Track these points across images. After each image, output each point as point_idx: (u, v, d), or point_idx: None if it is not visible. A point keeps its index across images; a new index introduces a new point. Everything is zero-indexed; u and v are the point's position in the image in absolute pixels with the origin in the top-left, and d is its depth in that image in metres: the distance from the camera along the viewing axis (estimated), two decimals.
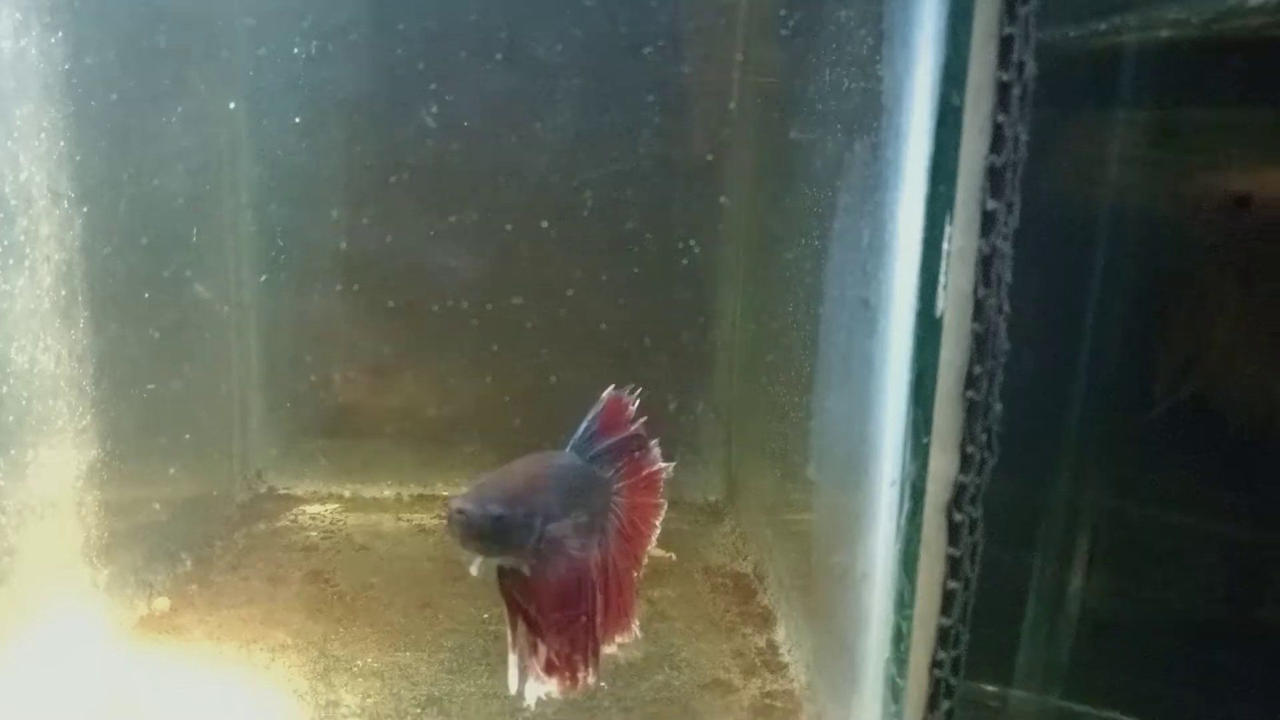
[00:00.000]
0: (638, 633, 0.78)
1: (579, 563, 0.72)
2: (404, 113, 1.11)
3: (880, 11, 0.70)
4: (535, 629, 0.71)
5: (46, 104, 0.93)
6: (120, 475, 1.06)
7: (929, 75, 0.65)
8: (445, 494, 1.50)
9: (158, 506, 1.18)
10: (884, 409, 0.72)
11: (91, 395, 1.01)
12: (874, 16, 0.71)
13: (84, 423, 1.00)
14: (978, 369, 0.69)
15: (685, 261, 1.21)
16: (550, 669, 0.72)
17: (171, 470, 1.22)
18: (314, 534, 1.39)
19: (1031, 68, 0.65)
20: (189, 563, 1.24)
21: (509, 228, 1.21)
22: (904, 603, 0.73)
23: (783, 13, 0.86)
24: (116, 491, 1.06)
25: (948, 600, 0.74)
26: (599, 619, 0.73)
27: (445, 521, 0.69)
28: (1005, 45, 0.64)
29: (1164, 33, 0.76)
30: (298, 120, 1.17)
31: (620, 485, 0.77)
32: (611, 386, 0.75)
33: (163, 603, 1.14)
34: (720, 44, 0.97)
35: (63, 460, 0.97)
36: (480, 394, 1.40)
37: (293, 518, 1.44)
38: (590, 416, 0.75)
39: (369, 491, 1.52)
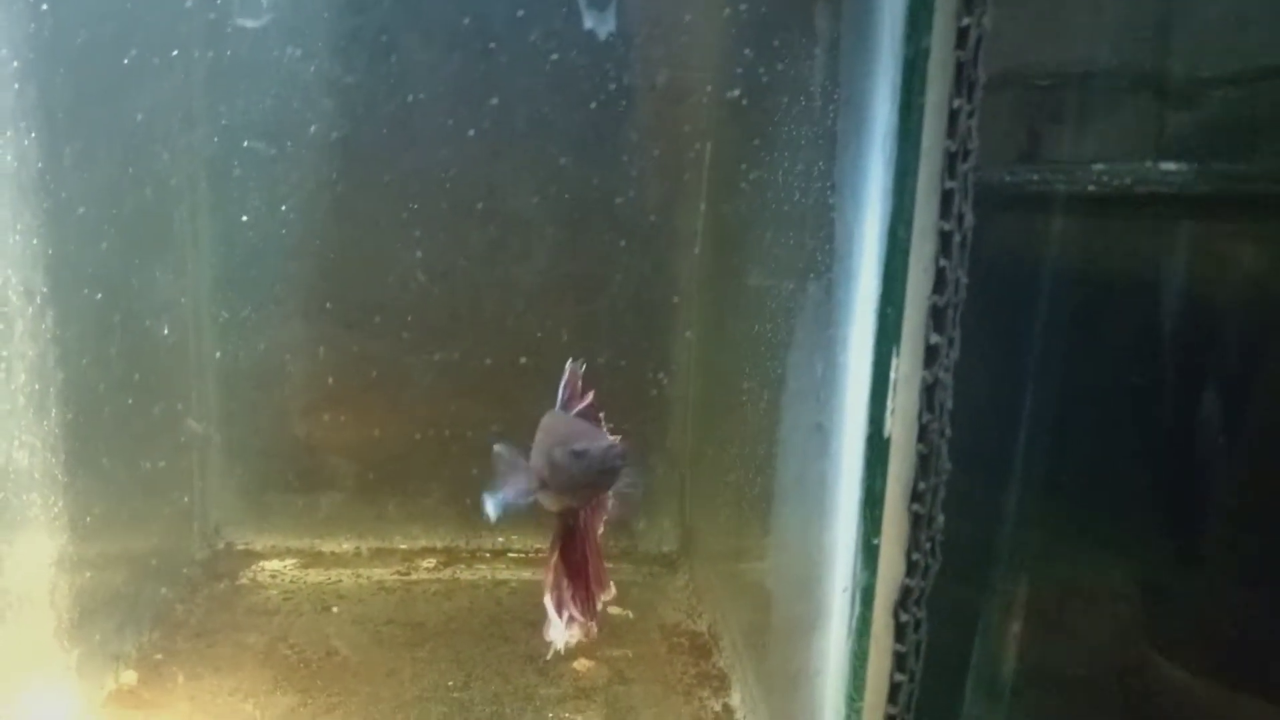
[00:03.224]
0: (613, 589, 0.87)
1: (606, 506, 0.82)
2: (389, 258, 1.13)
3: (832, 167, 0.75)
4: (578, 567, 0.80)
5: (22, 206, 0.95)
6: (89, 554, 1.08)
7: (877, 224, 0.71)
8: (404, 547, 1.54)
9: (124, 576, 1.20)
10: (837, 522, 0.78)
11: (63, 483, 1.03)
12: (826, 171, 0.76)
13: (55, 510, 1.02)
14: (922, 485, 0.76)
15: (654, 392, 1.26)
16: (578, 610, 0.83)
17: (136, 536, 1.24)
18: (274, 593, 1.41)
19: (970, 219, 0.71)
20: (154, 631, 1.26)
21: (488, 362, 1.24)
22: (854, 696, 0.79)
23: (743, 167, 0.92)
24: (86, 570, 1.08)
25: (894, 691, 0.80)
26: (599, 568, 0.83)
27: (574, 458, 0.76)
28: (946, 198, 0.70)
29: (1090, 187, 0.83)
30: (280, 266, 1.19)
31: None
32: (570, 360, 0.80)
33: (130, 676, 1.16)
34: (686, 195, 1.02)
35: (36, 550, 0.99)
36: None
37: (252, 575, 1.46)
38: (561, 386, 0.81)
39: (328, 545, 1.54)
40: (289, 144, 1.04)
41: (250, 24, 0.94)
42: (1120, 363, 0.90)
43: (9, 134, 0.94)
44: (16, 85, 0.95)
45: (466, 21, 0.92)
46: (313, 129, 1.01)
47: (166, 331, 1.18)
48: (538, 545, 1.51)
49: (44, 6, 0.97)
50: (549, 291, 1.12)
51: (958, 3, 0.68)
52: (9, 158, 0.94)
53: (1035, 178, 0.85)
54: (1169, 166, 0.84)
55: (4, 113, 0.93)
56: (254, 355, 1.35)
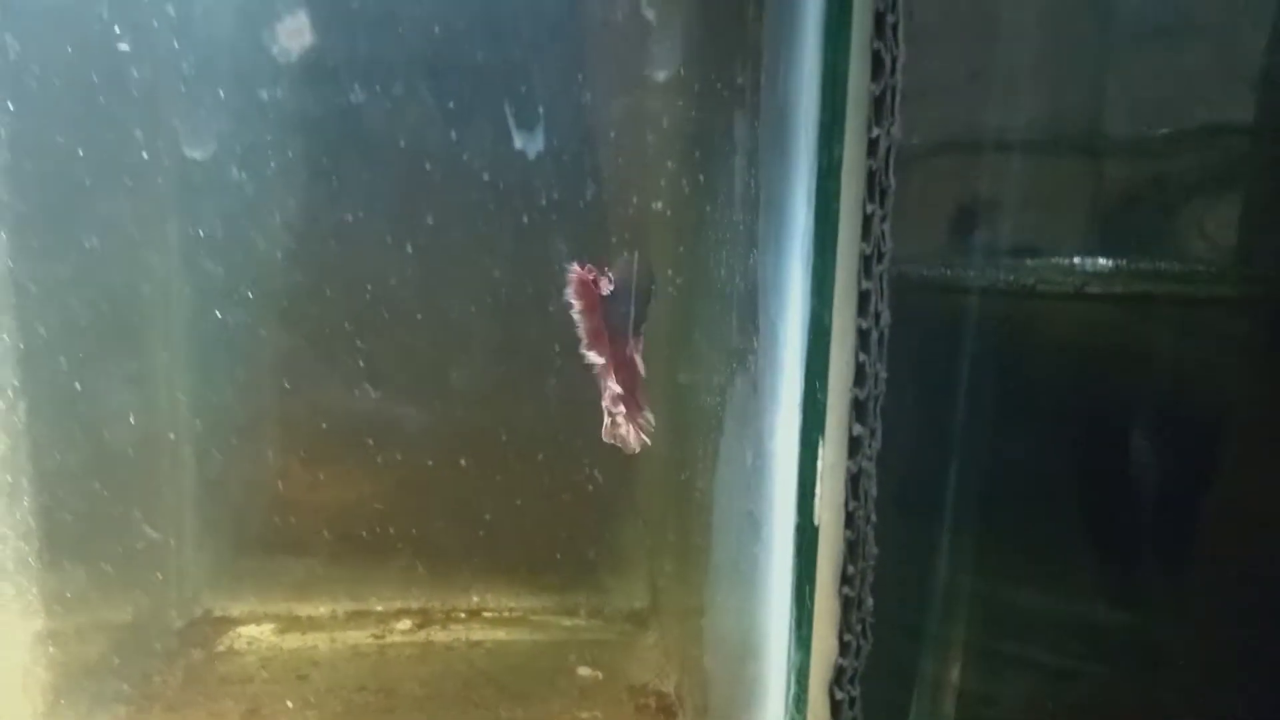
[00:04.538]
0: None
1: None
2: (334, 365, 1.18)
3: (757, 272, 0.79)
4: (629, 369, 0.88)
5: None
6: (65, 635, 1.10)
7: (800, 322, 0.74)
8: (379, 609, 1.56)
9: (99, 652, 1.23)
10: (771, 603, 0.81)
11: (35, 568, 1.05)
12: (752, 274, 0.80)
13: (29, 597, 1.05)
14: (851, 569, 0.79)
15: (590, 488, 1.30)
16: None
17: (112, 612, 1.27)
18: (251, 660, 1.44)
19: (887, 316, 0.75)
20: (129, 705, 1.29)
21: (430, 463, 1.29)
22: None
23: (670, 272, 0.96)
24: (61, 650, 1.10)
25: None
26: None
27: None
28: (864, 298, 0.74)
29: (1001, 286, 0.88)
30: (238, 371, 1.23)
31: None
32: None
33: None
34: None
35: (9, 636, 1.02)
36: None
37: (229, 642, 1.48)
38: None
39: (304, 609, 1.57)
40: (240, 259, 1.09)
41: (198, 155, 0.99)
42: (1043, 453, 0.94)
43: None
44: None
45: (403, 144, 0.97)
46: (261, 246, 1.06)
47: (134, 421, 1.21)
48: (510, 605, 1.54)
49: (10, 107, 1.00)
50: (488, 394, 1.17)
51: (868, 115, 0.72)
52: None
53: (952, 273, 0.89)
54: (1085, 262, 0.88)
55: None
56: (223, 452, 1.40)
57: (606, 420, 0.91)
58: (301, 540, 1.54)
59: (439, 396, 1.16)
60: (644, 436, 0.92)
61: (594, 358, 0.90)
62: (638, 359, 0.90)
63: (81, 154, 1.00)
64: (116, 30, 1.00)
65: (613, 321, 0.89)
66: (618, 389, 0.90)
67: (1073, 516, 0.96)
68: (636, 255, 0.89)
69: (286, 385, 1.23)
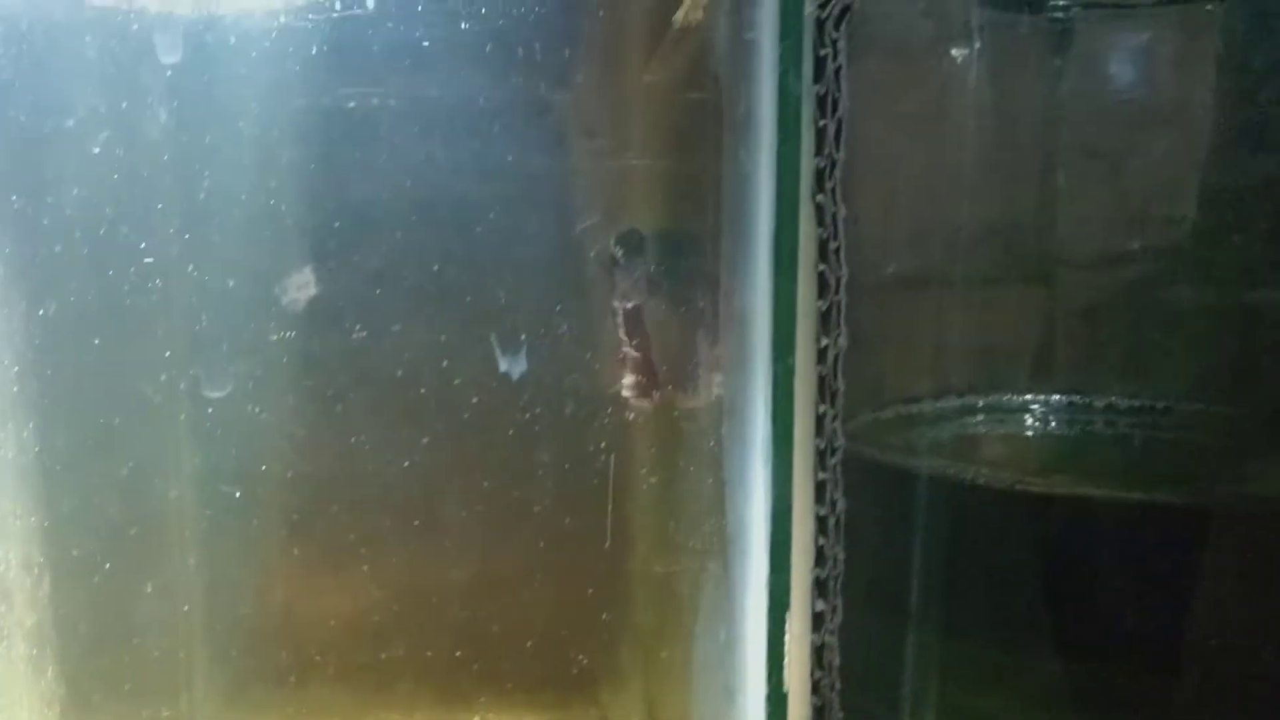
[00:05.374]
0: None
1: None
2: (340, 569, 1.27)
3: (723, 462, 0.90)
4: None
5: (21, 489, 1.06)
6: None
7: (763, 512, 0.85)
8: None
9: None
10: None
11: None
12: (718, 466, 0.91)
13: None
14: None
15: (575, 671, 1.37)
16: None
17: None
18: None
19: (842, 503, 0.86)
20: None
21: (429, 654, 1.36)
22: None
23: (644, 471, 1.07)
24: None
25: None
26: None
27: None
28: (820, 488, 0.85)
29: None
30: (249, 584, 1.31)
31: None
32: None
33: None
34: (594, 499, 1.17)
35: None
36: None
37: None
38: None
39: None
40: (253, 485, 1.19)
41: (216, 395, 1.12)
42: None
43: (9, 426, 1.06)
44: (16, 387, 1.08)
45: (400, 374, 1.10)
46: (270, 470, 1.16)
47: (150, 589, 1.27)
48: None
49: (40, 312, 1.11)
50: (480, 590, 1.25)
51: (816, 327, 0.86)
52: (10, 450, 1.05)
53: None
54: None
55: (5, 409, 1.05)
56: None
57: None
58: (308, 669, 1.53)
59: (436, 592, 1.22)
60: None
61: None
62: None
63: (109, 394, 1.11)
64: (149, 286, 1.13)
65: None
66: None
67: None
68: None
69: (295, 597, 1.29)
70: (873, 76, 1.07)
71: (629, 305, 1.02)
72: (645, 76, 1.07)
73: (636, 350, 1.03)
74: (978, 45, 1.32)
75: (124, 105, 1.05)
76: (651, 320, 0.98)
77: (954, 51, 1.32)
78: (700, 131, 0.98)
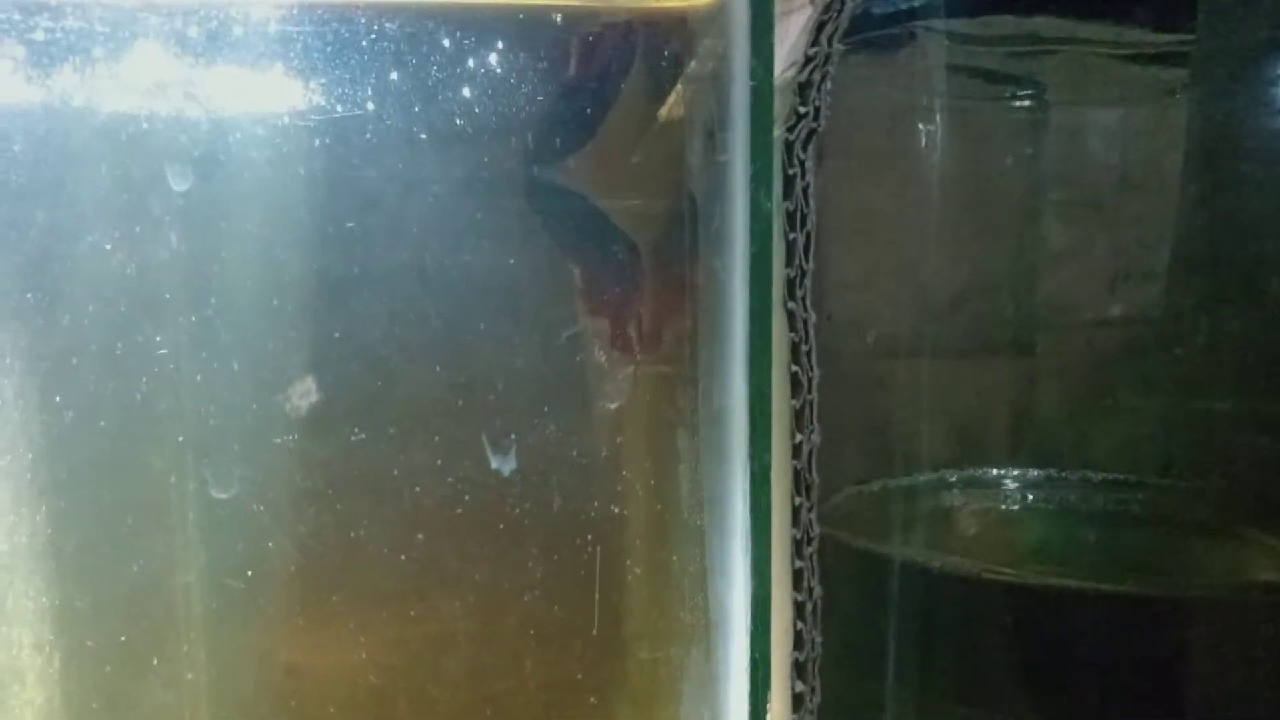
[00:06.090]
0: None
1: None
2: (339, 657, 1.32)
3: (705, 559, 0.96)
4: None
5: (33, 572, 1.10)
6: None
7: (744, 599, 0.90)
8: None
9: None
10: None
11: None
12: (700, 555, 0.97)
13: None
14: None
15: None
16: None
17: None
18: None
19: (819, 590, 0.91)
20: None
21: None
22: None
23: (629, 562, 1.13)
24: None
25: None
26: None
27: None
28: (797, 575, 0.90)
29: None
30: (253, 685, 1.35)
31: None
32: None
33: None
34: (582, 590, 1.24)
35: None
36: None
37: None
38: None
39: None
40: (257, 579, 1.23)
41: (222, 495, 1.18)
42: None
43: (23, 511, 1.10)
44: (29, 475, 1.13)
45: (396, 473, 1.16)
46: (273, 565, 1.21)
47: (157, 663, 1.30)
48: None
49: (57, 398, 1.16)
50: (471, 676, 1.29)
51: (790, 423, 0.92)
52: (23, 535, 1.10)
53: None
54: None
55: (20, 494, 1.10)
56: None
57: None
58: None
59: (431, 678, 1.26)
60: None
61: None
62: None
63: (122, 494, 1.16)
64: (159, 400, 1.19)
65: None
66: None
67: None
68: None
69: (297, 683, 1.33)
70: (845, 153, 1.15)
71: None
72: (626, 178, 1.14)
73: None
74: (943, 127, 1.38)
75: (137, 229, 1.12)
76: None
77: (922, 129, 1.38)
78: (678, 242, 1.05)
